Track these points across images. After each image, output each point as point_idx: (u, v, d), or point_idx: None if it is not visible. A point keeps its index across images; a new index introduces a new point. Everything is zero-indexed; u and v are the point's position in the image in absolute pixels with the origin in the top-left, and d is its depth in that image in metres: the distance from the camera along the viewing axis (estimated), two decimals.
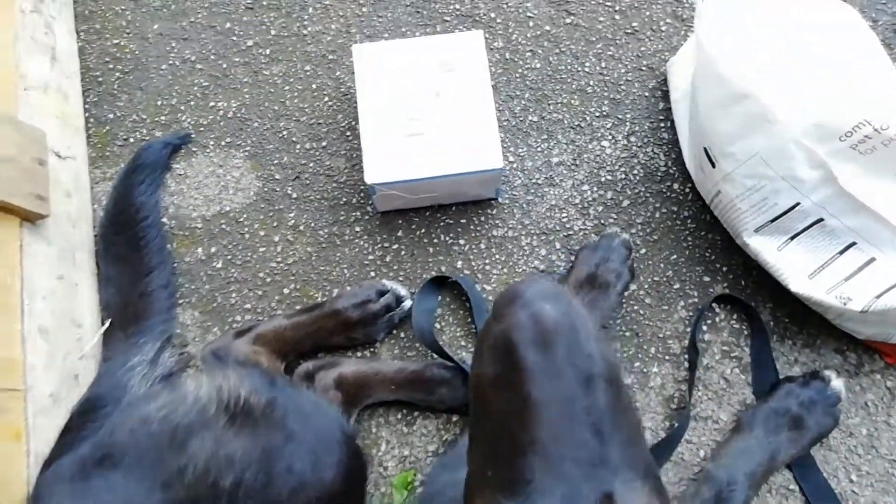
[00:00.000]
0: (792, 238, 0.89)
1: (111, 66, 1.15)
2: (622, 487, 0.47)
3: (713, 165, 0.90)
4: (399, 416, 0.95)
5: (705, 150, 0.90)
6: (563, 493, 0.46)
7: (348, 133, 1.10)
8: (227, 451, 0.76)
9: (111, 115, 1.12)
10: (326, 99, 1.12)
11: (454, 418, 0.96)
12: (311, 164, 1.09)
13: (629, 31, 1.12)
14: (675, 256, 1.02)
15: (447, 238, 1.05)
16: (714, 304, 0.99)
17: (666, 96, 1.08)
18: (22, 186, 0.90)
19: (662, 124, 1.07)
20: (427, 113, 0.96)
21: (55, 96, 1.05)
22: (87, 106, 1.13)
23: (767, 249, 0.90)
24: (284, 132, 1.11)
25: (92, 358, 0.97)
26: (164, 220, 1.07)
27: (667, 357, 0.98)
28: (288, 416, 0.82)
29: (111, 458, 0.79)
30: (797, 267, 0.90)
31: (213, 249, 1.06)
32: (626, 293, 0.99)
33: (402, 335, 1.01)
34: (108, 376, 0.93)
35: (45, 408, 0.87)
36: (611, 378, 0.50)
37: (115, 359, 0.95)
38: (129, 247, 1.02)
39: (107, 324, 0.98)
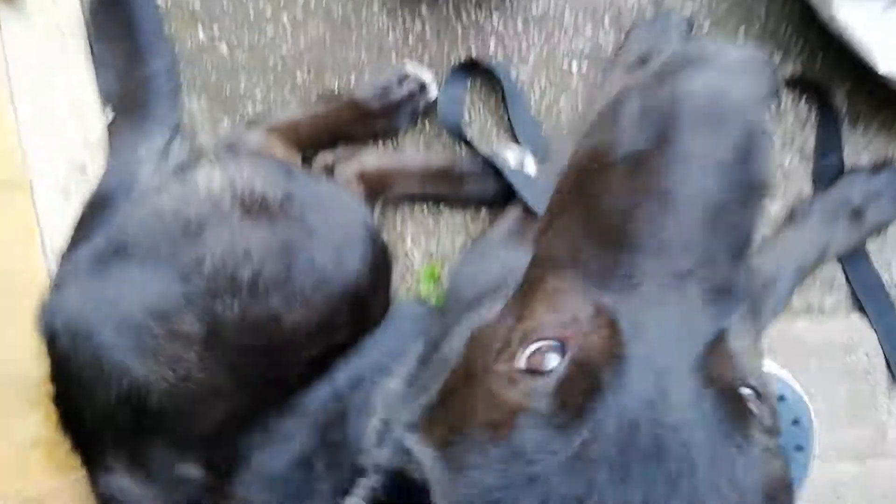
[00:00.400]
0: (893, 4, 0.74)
1: None
2: (735, 326, 0.40)
3: None
4: (424, 210, 0.90)
5: None
6: (672, 306, 0.38)
7: None
8: (244, 244, 0.72)
9: None
10: None
11: (482, 212, 0.90)
12: None
13: None
14: (743, 31, 0.88)
15: (478, 16, 0.91)
16: (781, 89, 0.87)
17: None
18: None
19: None
20: None
21: None
22: None
23: (857, 21, 0.77)
24: None
25: (98, 148, 0.91)
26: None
27: None
28: (307, 208, 0.77)
29: (126, 250, 0.76)
30: (890, 43, 0.77)
31: (215, 31, 0.94)
32: None
33: (428, 126, 0.92)
34: (117, 168, 0.88)
35: (54, 201, 0.83)
36: (761, 192, 0.41)
37: (122, 150, 0.89)
38: (122, 26, 0.91)
39: (111, 114, 0.91)
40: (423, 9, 0.92)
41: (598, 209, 0.42)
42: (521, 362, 0.39)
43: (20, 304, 0.76)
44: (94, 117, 0.91)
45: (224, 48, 0.94)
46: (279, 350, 0.72)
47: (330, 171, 0.88)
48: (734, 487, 0.35)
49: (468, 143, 0.86)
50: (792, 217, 0.85)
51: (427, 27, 0.92)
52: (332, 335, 0.74)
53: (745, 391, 0.38)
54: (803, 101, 0.87)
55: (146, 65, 0.91)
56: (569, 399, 0.36)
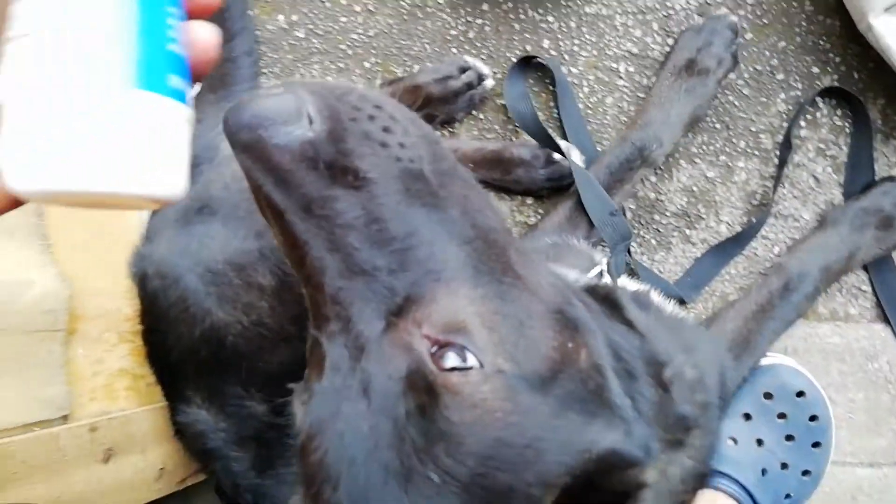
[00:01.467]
0: None
1: None
2: (417, 298, 0.43)
3: None
4: None
5: None
6: (341, 327, 0.43)
7: None
8: None
9: None
10: None
11: (529, 200, 0.97)
12: None
13: None
14: (783, 43, 0.93)
15: (535, 14, 0.99)
16: (817, 99, 0.92)
17: None
18: None
19: None
20: None
21: None
22: None
23: (894, 31, 0.81)
24: None
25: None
26: None
27: (756, 152, 0.94)
28: None
29: (209, 208, 0.86)
30: None
31: (294, 17, 1.03)
32: (722, 82, 0.92)
33: (482, 116, 1.00)
34: (201, 137, 0.97)
35: None
36: (404, 172, 0.44)
37: (206, 121, 0.99)
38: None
39: (198, 87, 1.01)
40: (485, 6, 0.99)
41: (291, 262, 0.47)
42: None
43: (115, 247, 0.86)
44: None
45: (301, 33, 1.03)
46: None
47: None
48: (408, 455, 0.39)
49: (544, 135, 0.92)
50: (822, 222, 0.89)
51: (487, 23, 1.00)
52: None
53: (442, 352, 0.40)
54: (839, 112, 0.92)
55: (232, 45, 1.00)
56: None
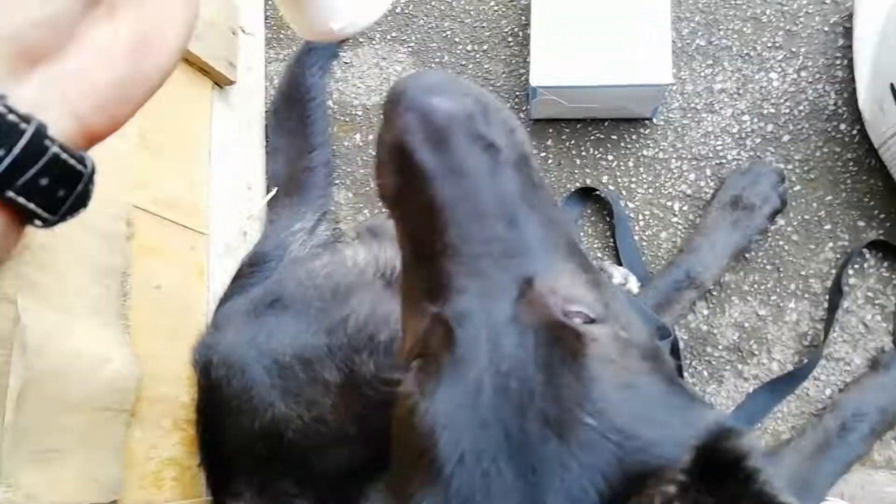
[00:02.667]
0: None
1: None
2: (543, 270, 0.45)
3: None
4: None
5: (892, 85, 0.87)
6: (480, 288, 0.43)
7: (510, 39, 1.12)
8: (383, 311, 0.83)
9: None
10: (492, 3, 1.14)
11: None
12: (471, 66, 1.12)
13: None
14: (829, 197, 1.00)
15: (596, 152, 1.07)
16: (865, 250, 0.97)
17: (847, 33, 1.03)
18: (219, 51, 0.98)
19: (838, 62, 1.03)
20: (601, 23, 0.97)
21: None
22: None
23: None
24: (448, 32, 1.14)
25: (257, 220, 1.07)
26: (329, 103, 1.14)
27: (806, 295, 0.97)
28: None
29: (281, 302, 0.88)
30: None
31: (370, 137, 1.12)
32: (773, 219, 0.98)
33: None
34: (273, 236, 1.02)
35: (221, 254, 0.97)
36: (518, 158, 0.47)
37: (279, 222, 1.04)
38: (298, 123, 1.09)
39: (274, 191, 1.07)
40: (549, 141, 1.08)
41: (409, 236, 0.48)
42: (408, 385, 0.45)
43: (184, 335, 0.88)
44: (258, 197, 1.07)
45: (374, 151, 1.11)
46: None
47: None
48: (564, 401, 0.39)
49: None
50: (875, 364, 0.91)
51: (550, 156, 1.07)
52: None
53: (571, 314, 0.43)
54: (886, 263, 0.97)
55: (310, 157, 1.08)
56: (424, 386, 0.43)
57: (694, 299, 0.96)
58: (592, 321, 0.44)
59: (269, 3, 1.19)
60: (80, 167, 0.31)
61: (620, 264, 1.00)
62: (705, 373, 0.97)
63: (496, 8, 1.14)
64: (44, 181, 0.30)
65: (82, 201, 0.33)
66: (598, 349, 0.42)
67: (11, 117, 0.28)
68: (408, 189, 0.46)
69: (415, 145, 0.44)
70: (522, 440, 0.39)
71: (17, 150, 0.28)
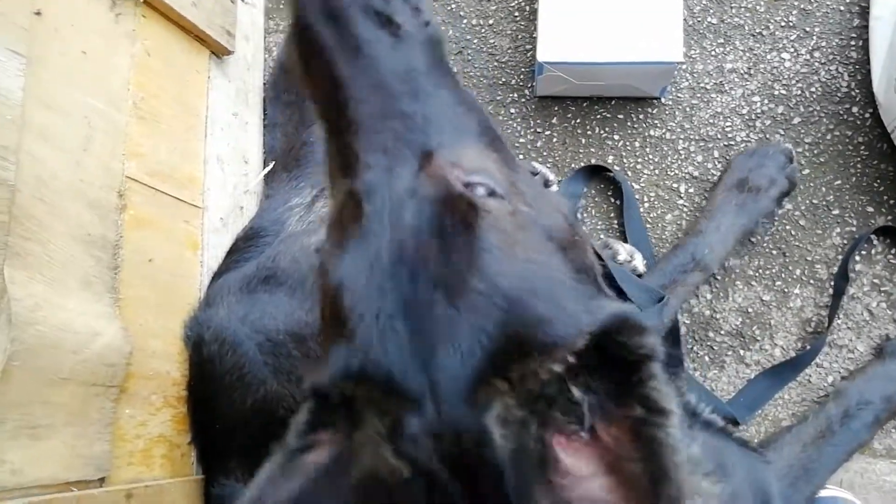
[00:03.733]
0: None
1: None
2: (447, 144, 0.45)
3: None
4: None
5: None
6: (384, 162, 0.44)
7: (516, 13, 1.09)
8: None
9: None
10: None
11: None
12: (476, 41, 1.09)
13: None
14: (839, 182, 0.98)
15: (602, 131, 1.04)
16: (873, 236, 0.95)
17: (864, 13, 1.00)
18: (217, 19, 0.95)
19: (853, 42, 1.00)
20: None
21: None
22: None
23: None
24: (453, 5, 1.11)
25: (254, 194, 1.04)
26: None
27: (811, 281, 0.96)
28: None
29: (275, 279, 0.86)
30: None
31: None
32: (781, 202, 0.96)
33: None
34: (270, 211, 1.00)
35: (216, 228, 0.95)
36: (426, 39, 0.48)
37: (276, 197, 1.02)
38: (296, 96, 1.06)
39: (270, 165, 1.04)
40: (554, 119, 1.05)
41: (319, 115, 0.48)
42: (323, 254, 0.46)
43: (175, 310, 0.86)
44: (254, 171, 1.05)
45: None
46: None
47: None
48: (454, 267, 0.40)
49: None
50: (880, 352, 0.90)
51: (555, 135, 1.05)
52: None
53: (471, 186, 0.43)
54: (894, 250, 0.95)
55: (309, 131, 1.05)
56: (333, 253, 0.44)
57: (699, 283, 0.94)
58: (493, 194, 0.44)
59: None
60: None
61: (626, 243, 0.98)
62: (707, 358, 0.96)
63: None
64: None
65: None
66: (492, 220, 0.42)
67: None
68: (309, 65, 0.47)
69: (309, 20, 0.45)
70: (415, 302, 0.40)
71: None
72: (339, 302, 0.42)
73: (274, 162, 1.04)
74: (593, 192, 1.03)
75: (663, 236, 1.00)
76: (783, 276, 0.96)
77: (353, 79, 0.45)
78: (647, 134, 1.03)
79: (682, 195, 1.01)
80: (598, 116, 1.04)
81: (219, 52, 0.98)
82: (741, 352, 0.95)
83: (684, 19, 1.04)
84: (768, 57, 1.02)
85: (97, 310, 0.74)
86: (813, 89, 1.00)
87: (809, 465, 0.84)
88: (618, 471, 0.38)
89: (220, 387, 0.80)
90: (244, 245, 0.95)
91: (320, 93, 0.47)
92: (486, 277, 0.40)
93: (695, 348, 0.96)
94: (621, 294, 0.88)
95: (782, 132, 1.00)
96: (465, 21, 1.10)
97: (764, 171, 0.95)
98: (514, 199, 0.45)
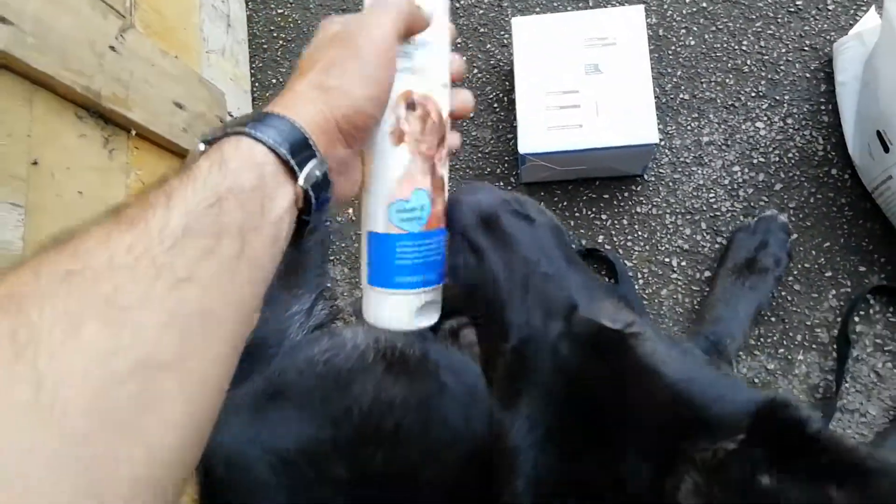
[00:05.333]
0: None
1: (275, 34, 1.22)
2: (585, 299, 0.50)
3: (886, 150, 0.86)
4: None
5: (879, 133, 0.87)
6: (537, 320, 0.50)
7: (496, 105, 1.13)
8: (387, 396, 0.81)
9: (274, 81, 1.20)
10: (476, 71, 1.15)
11: None
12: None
13: (792, 9, 1.08)
14: (828, 244, 0.99)
15: (589, 212, 1.06)
16: (869, 296, 0.96)
17: (829, 78, 1.04)
18: None
19: (823, 107, 1.04)
20: (583, 86, 0.98)
21: (230, 60, 1.13)
22: (252, 71, 1.21)
23: None
24: None
25: None
26: None
27: (814, 346, 0.96)
28: (440, 368, 0.86)
29: (283, 395, 0.86)
30: None
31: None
32: (782, 277, 0.97)
33: None
34: (270, 320, 1.01)
35: None
36: (553, 227, 0.55)
37: (276, 305, 1.03)
38: None
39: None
40: (542, 204, 1.07)
41: (483, 304, 0.54)
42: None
43: None
44: None
45: None
46: None
47: (455, 334, 0.99)
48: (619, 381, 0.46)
49: None
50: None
51: None
52: (459, 496, 0.80)
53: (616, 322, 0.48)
54: (892, 308, 0.95)
55: (304, 238, 1.07)
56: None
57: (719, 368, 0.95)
58: (634, 332, 0.48)
59: (256, 84, 1.20)
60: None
61: None
62: None
63: (480, 75, 1.15)
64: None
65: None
66: (642, 340, 0.47)
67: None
68: (475, 265, 0.54)
69: (470, 228, 0.53)
70: (596, 423, 0.45)
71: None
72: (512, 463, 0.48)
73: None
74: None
75: (661, 311, 1.01)
76: (785, 342, 0.96)
77: (503, 260, 0.52)
78: (633, 211, 1.05)
79: (675, 269, 1.02)
80: (585, 198, 1.07)
81: None
82: None
83: (657, 97, 1.08)
84: (743, 127, 1.05)
85: None
86: (790, 155, 1.03)
87: None
88: None
89: None
90: (248, 358, 0.95)
91: (482, 287, 0.53)
92: (652, 381, 0.45)
93: None
94: None
95: (766, 199, 1.02)
96: None
97: (770, 250, 0.95)
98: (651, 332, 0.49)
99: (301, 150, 0.44)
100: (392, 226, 0.54)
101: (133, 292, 0.34)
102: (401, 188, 0.54)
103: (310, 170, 0.44)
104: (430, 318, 0.59)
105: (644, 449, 0.43)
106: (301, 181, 0.44)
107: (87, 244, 0.36)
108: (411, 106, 0.52)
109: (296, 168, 0.43)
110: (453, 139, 0.56)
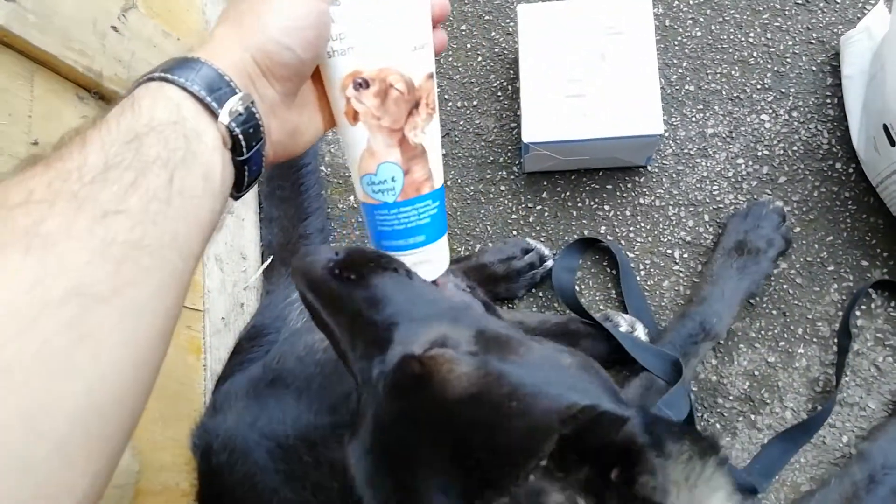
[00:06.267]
0: None
1: None
2: (404, 332, 0.52)
3: (892, 144, 0.86)
4: None
5: (885, 127, 0.86)
6: (363, 364, 0.52)
7: (499, 94, 1.12)
8: None
9: None
10: (480, 59, 1.14)
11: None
12: (462, 123, 1.12)
13: (800, 1, 1.07)
14: (831, 238, 0.99)
15: (592, 203, 1.06)
16: (871, 290, 0.96)
17: (835, 72, 1.03)
18: None
19: (829, 101, 1.03)
20: (588, 75, 0.97)
21: None
22: None
23: None
24: (437, 88, 1.14)
25: (254, 290, 1.05)
26: (321, 167, 1.13)
27: (815, 339, 0.96)
28: None
29: (282, 381, 0.86)
30: None
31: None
32: (778, 261, 0.97)
33: (541, 294, 1.03)
34: (270, 307, 1.01)
35: (218, 329, 0.96)
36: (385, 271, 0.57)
37: (276, 292, 1.03)
38: (291, 190, 1.08)
39: (269, 260, 1.06)
40: (544, 194, 1.07)
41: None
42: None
43: (182, 419, 0.85)
44: (253, 266, 1.06)
45: None
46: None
47: None
48: (422, 412, 0.47)
49: (578, 308, 0.96)
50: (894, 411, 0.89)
51: (546, 209, 1.06)
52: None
53: (429, 349, 0.50)
54: (893, 303, 0.95)
55: (305, 224, 1.07)
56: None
57: (708, 350, 0.94)
58: (448, 347, 0.50)
59: None
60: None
61: (626, 313, 0.99)
62: (718, 425, 0.95)
63: (484, 63, 1.14)
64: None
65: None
66: (444, 363, 0.47)
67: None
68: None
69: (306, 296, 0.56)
70: (399, 459, 0.47)
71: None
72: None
73: (272, 257, 1.06)
74: (589, 263, 1.04)
75: (662, 303, 1.01)
76: (786, 336, 0.96)
77: (333, 318, 0.54)
78: (636, 202, 1.05)
79: (678, 261, 1.02)
80: (587, 188, 1.06)
81: None
82: (752, 416, 0.95)
83: (662, 88, 1.07)
84: (748, 119, 1.05)
85: None
86: (795, 148, 1.03)
87: None
88: None
89: (231, 498, 0.79)
90: (248, 345, 0.96)
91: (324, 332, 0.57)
92: (452, 412, 0.45)
93: (705, 416, 0.95)
94: (635, 363, 0.88)
95: (769, 192, 1.01)
96: (450, 104, 1.13)
97: (761, 231, 0.96)
98: (481, 349, 0.50)
99: (217, 87, 0.43)
100: (368, 196, 0.57)
101: (55, 223, 0.34)
102: (366, 163, 0.55)
103: (231, 107, 0.44)
104: (426, 276, 0.60)
105: (443, 484, 0.43)
106: (222, 117, 0.43)
107: (2, 187, 0.36)
108: (362, 84, 0.52)
109: (213, 105, 0.43)
110: (437, 38, 0.55)
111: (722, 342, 0.97)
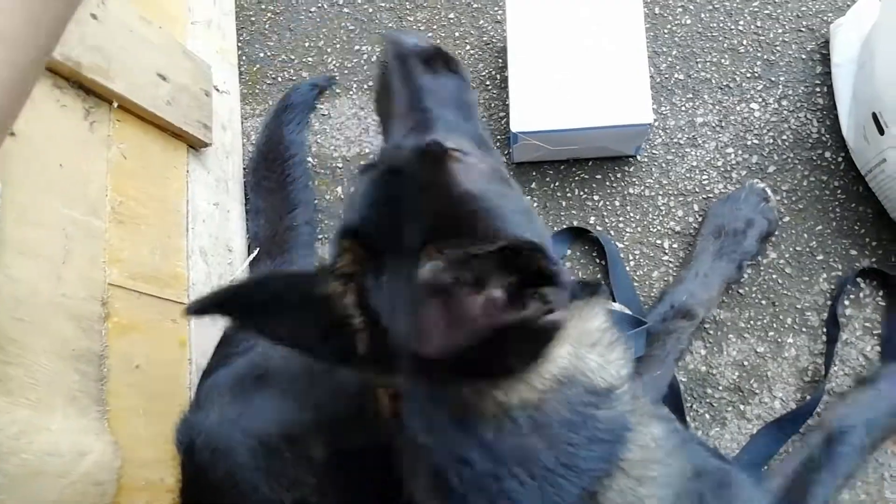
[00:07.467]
0: None
1: (263, 6, 1.19)
2: (441, 130, 0.61)
3: (881, 132, 0.85)
4: None
5: (874, 115, 0.86)
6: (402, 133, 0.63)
7: (488, 83, 1.11)
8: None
9: (261, 54, 1.17)
10: (468, 47, 1.13)
11: None
12: None
13: None
14: (820, 227, 0.98)
15: (581, 193, 1.05)
16: (859, 279, 0.96)
17: (825, 60, 1.03)
18: (193, 114, 0.96)
19: (818, 89, 1.02)
20: (578, 64, 0.96)
21: (216, 32, 1.11)
22: (239, 44, 1.18)
23: None
24: None
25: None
26: (308, 158, 1.12)
27: (804, 329, 0.96)
28: None
29: (267, 378, 0.84)
30: None
31: (352, 189, 1.09)
32: (764, 242, 0.97)
33: None
34: None
35: (204, 323, 0.94)
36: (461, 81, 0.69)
37: None
38: (277, 182, 1.07)
39: (255, 252, 1.04)
40: (533, 184, 1.06)
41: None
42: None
43: (166, 415, 0.84)
44: (239, 258, 1.05)
45: None
46: (389, 483, 0.77)
47: None
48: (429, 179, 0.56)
49: None
50: (861, 380, 0.90)
51: (535, 200, 1.06)
52: None
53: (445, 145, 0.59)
54: (881, 292, 0.95)
55: (294, 215, 1.05)
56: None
57: (687, 330, 0.94)
58: (458, 153, 0.57)
59: (243, 58, 1.17)
60: None
61: (615, 300, 0.98)
62: (707, 416, 0.95)
63: (472, 52, 1.13)
64: None
65: None
66: (456, 161, 0.56)
67: None
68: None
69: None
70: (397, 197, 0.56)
71: None
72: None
73: (259, 249, 1.04)
74: (578, 253, 1.03)
75: (651, 294, 1.00)
76: (775, 325, 0.96)
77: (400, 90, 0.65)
78: (626, 192, 1.04)
79: (667, 251, 1.01)
80: (577, 178, 1.05)
81: (196, 145, 0.99)
82: (741, 406, 0.94)
83: (652, 77, 1.06)
84: (738, 108, 1.04)
85: (84, 425, 0.72)
86: (784, 137, 1.02)
87: (799, 499, 0.82)
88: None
89: (214, 496, 0.78)
90: (234, 339, 0.94)
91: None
92: (450, 185, 0.54)
93: (694, 406, 0.95)
94: None
95: (759, 181, 1.01)
96: None
97: (739, 213, 0.96)
98: (479, 156, 0.61)
99: None
100: None
101: None
102: None
103: None
104: None
105: (414, 229, 0.51)
106: None
107: None
108: None
109: None
110: None
111: (711, 332, 0.97)
